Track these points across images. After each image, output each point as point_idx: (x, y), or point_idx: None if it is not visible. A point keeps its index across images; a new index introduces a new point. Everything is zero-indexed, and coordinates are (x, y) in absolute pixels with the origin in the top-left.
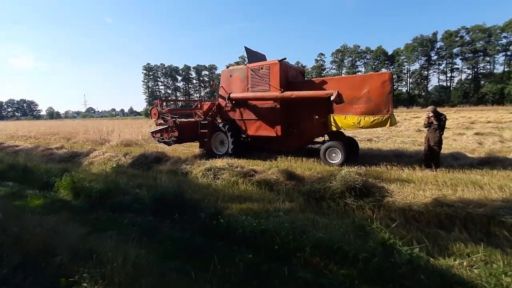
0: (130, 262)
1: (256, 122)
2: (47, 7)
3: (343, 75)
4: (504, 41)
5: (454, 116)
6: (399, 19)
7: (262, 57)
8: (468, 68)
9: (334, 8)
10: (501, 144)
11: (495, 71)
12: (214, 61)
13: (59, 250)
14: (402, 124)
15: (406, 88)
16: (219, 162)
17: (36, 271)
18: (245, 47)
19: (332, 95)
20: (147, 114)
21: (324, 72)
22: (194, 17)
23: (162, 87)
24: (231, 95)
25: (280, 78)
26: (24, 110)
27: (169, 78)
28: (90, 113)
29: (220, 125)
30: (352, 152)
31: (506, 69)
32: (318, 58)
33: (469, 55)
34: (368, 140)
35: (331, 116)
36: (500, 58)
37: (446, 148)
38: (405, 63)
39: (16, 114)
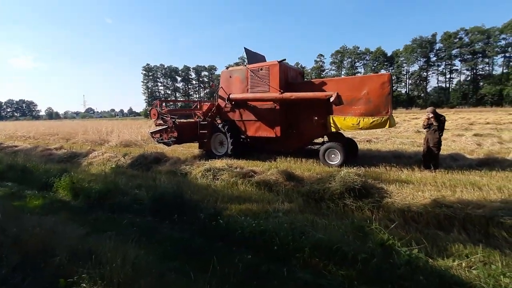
0: (129, 262)
1: (255, 123)
2: (47, 7)
3: (342, 76)
4: (503, 42)
5: (453, 117)
6: (398, 21)
7: (261, 58)
8: (467, 70)
9: (334, 9)
10: (500, 145)
11: (494, 72)
12: (213, 61)
13: (58, 250)
14: (401, 125)
15: (405, 89)
16: (218, 163)
17: (35, 272)
18: (244, 48)
19: (331, 96)
20: (146, 114)
21: (323, 73)
22: (194, 17)
23: (162, 87)
24: (230, 96)
25: (280, 79)
26: (23, 110)
27: (169, 79)
28: (89, 113)
29: (220, 126)
30: (351, 153)
31: (505, 71)
32: (318, 59)
33: (468, 56)
34: (367, 141)
35: (331, 117)
36: (499, 59)
37: (445, 149)
38: (404, 65)
39: (15, 114)
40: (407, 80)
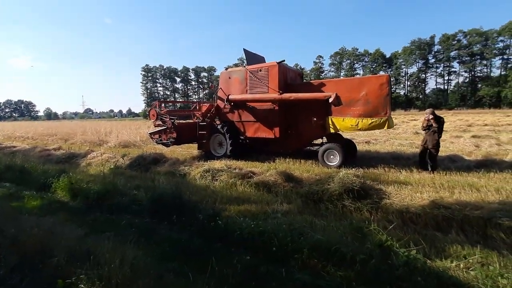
0: (128, 263)
1: (254, 124)
2: (46, 7)
3: (341, 77)
4: (500, 44)
5: (451, 119)
6: (397, 22)
7: (261, 59)
8: (465, 71)
9: (333, 11)
10: (498, 147)
11: (492, 74)
12: (213, 62)
13: (57, 251)
14: (399, 126)
15: (404, 91)
16: (217, 164)
17: (33, 272)
18: (244, 49)
19: (330, 97)
20: (145, 115)
21: (322, 74)
22: (194, 17)
23: (161, 88)
24: (229, 97)
25: (279, 80)
26: (22, 110)
27: (168, 80)
28: (88, 114)
29: (219, 127)
30: (350, 154)
31: (502, 73)
32: (317, 61)
33: (466, 58)
34: (366, 142)
35: (329, 118)
36: (497, 61)
37: (443, 151)
38: (403, 66)
39: (14, 114)
40: (406, 82)
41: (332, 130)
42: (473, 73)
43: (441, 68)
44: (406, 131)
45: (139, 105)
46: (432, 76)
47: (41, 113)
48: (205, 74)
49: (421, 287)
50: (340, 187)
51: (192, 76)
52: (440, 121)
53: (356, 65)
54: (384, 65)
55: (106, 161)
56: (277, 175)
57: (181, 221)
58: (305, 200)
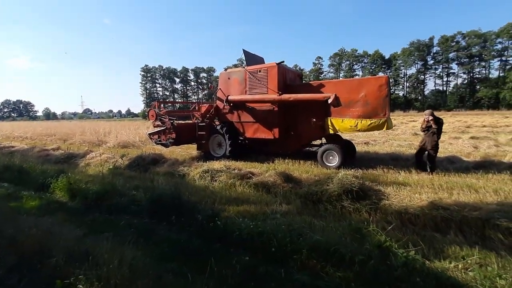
0: (127, 264)
1: (254, 125)
2: (46, 7)
3: (340, 78)
4: (499, 46)
5: (450, 120)
6: (396, 24)
7: (260, 60)
8: (464, 73)
9: (332, 12)
10: (496, 148)
11: (490, 76)
12: (212, 63)
13: (55, 251)
14: (398, 127)
15: (402, 92)
16: (216, 164)
17: (32, 273)
18: (243, 49)
19: (329, 98)
20: (144, 115)
21: (321, 75)
22: (194, 18)
23: (160, 89)
24: (229, 98)
25: (278, 81)
26: (20, 110)
27: (167, 80)
28: (87, 114)
29: (218, 127)
30: (349, 155)
31: (501, 74)
32: (316, 62)
33: (465, 60)
34: (365, 143)
35: (329, 119)
36: (495, 63)
37: (442, 152)
38: (402, 67)
39: (12, 114)
40: (405, 83)
41: (331, 131)
42: (471, 74)
43: (439, 70)
44: (405, 132)
45: (138, 106)
46: (431, 78)
47: (39, 113)
48: (205, 75)
49: None
50: (339, 188)
51: (192, 77)
52: (439, 122)
53: (355, 66)
54: (383, 66)
55: (105, 162)
56: (276, 175)
57: (180, 221)
58: (304, 201)
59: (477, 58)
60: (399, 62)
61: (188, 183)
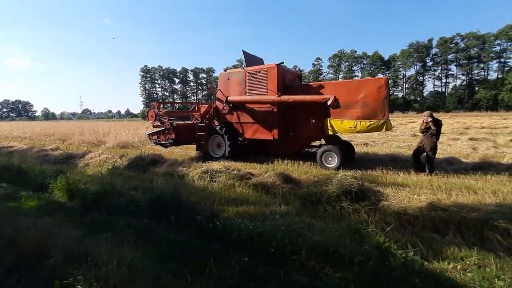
0: (125, 264)
1: (253, 126)
2: (46, 7)
3: (340, 79)
4: (497, 48)
5: (449, 121)
6: (395, 25)
7: (260, 61)
8: (463, 74)
9: (332, 14)
10: (495, 150)
11: (489, 77)
12: (212, 64)
13: (54, 252)
14: (397, 128)
15: (401, 93)
16: (215, 165)
17: (30, 273)
18: (243, 50)
19: (329, 99)
20: (144, 116)
21: (321, 76)
22: (194, 18)
23: (160, 89)
24: (228, 98)
25: (278, 82)
26: (19, 110)
27: (167, 81)
28: (86, 114)
29: (217, 128)
30: (348, 156)
31: (499, 76)
32: (315, 63)
33: (463, 61)
34: (364, 144)
35: (328, 120)
36: (494, 65)
37: (441, 153)
38: (401, 69)
39: (11, 114)
40: (404, 84)
41: (330, 132)
42: (470, 76)
43: (438, 71)
44: (404, 133)
45: (137, 106)
46: (430, 79)
47: (38, 113)
48: (204, 75)
49: None
50: (338, 189)
51: (191, 77)
52: (438, 123)
53: (355, 68)
54: (382, 67)
55: (104, 162)
56: (275, 176)
57: (179, 222)
58: (303, 202)
59: (476, 60)
60: (398, 63)
61: (187, 184)
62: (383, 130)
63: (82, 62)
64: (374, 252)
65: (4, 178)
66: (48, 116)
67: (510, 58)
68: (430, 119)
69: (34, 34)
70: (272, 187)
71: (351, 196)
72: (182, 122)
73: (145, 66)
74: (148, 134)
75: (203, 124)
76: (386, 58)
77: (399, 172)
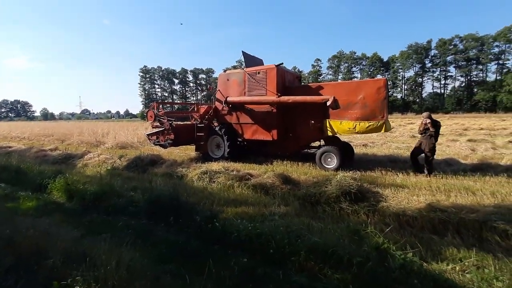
0: (124, 265)
1: (252, 126)
2: (46, 7)
3: (339, 80)
4: (496, 50)
5: (447, 122)
6: (394, 27)
7: (259, 62)
8: (462, 76)
9: (331, 15)
10: (493, 151)
11: (487, 79)
12: (211, 64)
13: (52, 252)
14: (396, 130)
15: (401, 95)
16: (215, 166)
17: (29, 274)
18: (242, 51)
19: (328, 100)
20: (143, 116)
21: (320, 77)
22: (194, 18)
23: (159, 89)
24: (228, 99)
25: (277, 82)
26: (18, 111)
27: (166, 81)
28: (85, 114)
29: (217, 129)
30: (348, 157)
31: (498, 78)
32: (315, 64)
33: (462, 63)
34: (363, 145)
35: (327, 121)
36: (493, 66)
37: (439, 154)
38: (400, 70)
39: (10, 114)
40: (403, 86)
41: (329, 133)
42: (469, 77)
43: (437, 72)
44: (403, 134)
45: (136, 106)
46: (428, 80)
47: (37, 114)
48: (204, 76)
49: None
50: (337, 190)
51: (191, 78)
52: (436, 125)
53: (354, 69)
54: (382, 68)
55: (103, 162)
56: (274, 177)
57: (178, 223)
58: (302, 203)
59: (475, 61)
60: (397, 64)
61: (186, 184)
62: (382, 131)
63: (82, 62)
64: (373, 253)
65: (2, 178)
66: (47, 116)
67: (508, 60)
68: (428, 120)
69: (34, 34)
70: (271, 188)
71: (350, 197)
72: (182, 123)
73: (145, 66)
74: (147, 134)
75: (203, 125)
76: (385, 60)
77: (398, 173)
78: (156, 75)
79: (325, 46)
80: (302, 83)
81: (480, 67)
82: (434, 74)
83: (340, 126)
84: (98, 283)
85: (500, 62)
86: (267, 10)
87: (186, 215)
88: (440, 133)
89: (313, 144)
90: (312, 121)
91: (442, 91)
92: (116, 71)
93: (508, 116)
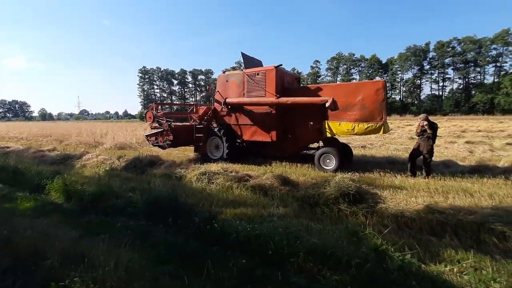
0: (123, 266)
1: (251, 127)
2: (46, 7)
3: (338, 82)
4: (494, 52)
5: (445, 124)
6: (393, 29)
7: (258, 63)
8: (460, 78)
9: (330, 17)
10: (491, 153)
11: (485, 81)
12: (210, 65)
13: (50, 253)
14: (395, 131)
15: (399, 96)
16: (213, 167)
17: (26, 275)
18: (241, 52)
19: (327, 101)
20: (142, 117)
21: (319, 79)
22: (193, 19)
23: (158, 90)
24: (227, 100)
25: (276, 84)
26: (16, 111)
27: (165, 82)
28: (83, 115)
29: (216, 130)
30: (346, 158)
31: (496, 80)
32: (314, 65)
33: (460, 65)
34: (362, 146)
35: (326, 123)
36: (490, 69)
37: (437, 156)
38: (398, 72)
39: (8, 115)
40: (401, 87)
41: (328, 135)
42: (467, 79)
43: (436, 75)
44: (402, 136)
45: (135, 107)
46: (427, 82)
47: (35, 114)
48: (203, 77)
49: None
50: (336, 191)
51: (190, 79)
52: (433, 127)
53: (353, 70)
54: (380, 70)
55: (102, 163)
56: (273, 178)
57: (177, 224)
58: (301, 204)
59: (473, 64)
60: (396, 66)
61: (185, 185)
62: (381, 132)
63: (82, 62)
64: (372, 255)
65: (0, 179)
66: (45, 116)
67: (506, 62)
68: (425, 122)
69: (34, 34)
70: (270, 189)
71: (348, 198)
72: (180, 124)
73: (144, 67)
74: (146, 135)
75: (201, 126)
76: (384, 61)
77: (396, 175)
78: (155, 76)
79: (324, 48)
80: (301, 85)
81: (478, 69)
82: (432, 76)
83: (339, 128)
84: (96, 284)
85: (498, 64)
86: (266, 11)
87: (185, 216)
88: (438, 135)
89: (312, 146)
90: (311, 123)
91: (440, 93)
92: (115, 72)
93: (505, 118)
